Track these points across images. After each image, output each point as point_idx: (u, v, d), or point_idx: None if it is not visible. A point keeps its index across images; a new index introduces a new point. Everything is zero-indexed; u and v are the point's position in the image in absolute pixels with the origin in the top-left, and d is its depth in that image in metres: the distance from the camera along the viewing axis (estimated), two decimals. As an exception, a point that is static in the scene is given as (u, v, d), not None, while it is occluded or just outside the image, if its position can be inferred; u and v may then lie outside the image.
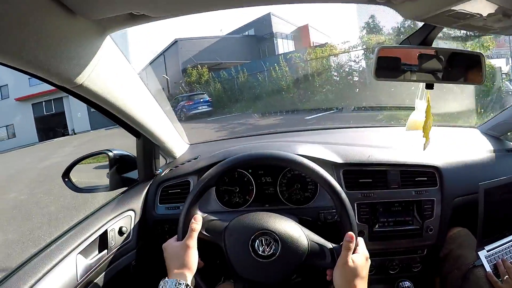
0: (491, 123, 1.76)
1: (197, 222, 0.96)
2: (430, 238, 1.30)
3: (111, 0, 0.67)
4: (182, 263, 0.89)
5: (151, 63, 28.84)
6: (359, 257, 0.90)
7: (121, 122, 1.15)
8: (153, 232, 1.32)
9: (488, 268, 1.18)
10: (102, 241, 1.14)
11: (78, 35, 0.73)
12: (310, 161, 1.01)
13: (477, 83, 0.95)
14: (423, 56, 0.90)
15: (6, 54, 0.61)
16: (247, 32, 26.36)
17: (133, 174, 1.41)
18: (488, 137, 1.71)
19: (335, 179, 1.16)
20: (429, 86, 0.93)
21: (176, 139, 1.48)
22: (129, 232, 1.24)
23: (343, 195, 0.97)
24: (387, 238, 1.28)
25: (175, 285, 0.83)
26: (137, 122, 1.14)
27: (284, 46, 24.63)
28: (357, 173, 1.31)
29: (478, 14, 0.70)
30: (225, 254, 0.94)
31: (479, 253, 1.23)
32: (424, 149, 1.05)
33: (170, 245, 0.95)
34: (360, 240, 0.94)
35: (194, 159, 1.42)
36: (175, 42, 24.48)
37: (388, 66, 0.90)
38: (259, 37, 25.19)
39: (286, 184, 1.32)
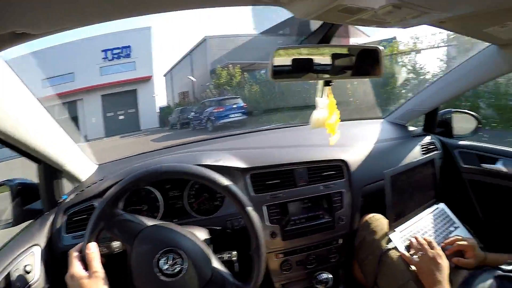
0: (398, 112, 1.89)
1: (90, 250, 0.89)
2: (343, 228, 1.35)
3: None
4: None
5: (177, 63, 28.77)
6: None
7: (16, 148, 1.02)
8: (62, 266, 1.19)
9: (401, 248, 1.24)
10: (7, 286, 1.00)
11: None
12: (208, 170, 0.99)
13: (376, 76, 0.98)
14: (321, 54, 0.91)
15: None
16: (281, 31, 24.28)
17: (38, 204, 1.27)
18: (395, 126, 1.83)
19: (243, 185, 1.14)
20: (328, 83, 0.94)
21: (81, 160, 1.36)
22: (36, 271, 1.09)
23: (244, 200, 0.97)
24: (301, 235, 1.30)
25: None
26: (33, 147, 1.02)
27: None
28: (264, 176, 1.32)
29: (368, 7, 0.70)
30: (128, 261, 0.91)
31: (390, 236, 1.28)
32: (331, 143, 1.06)
33: (75, 276, 0.87)
34: None
35: (100, 180, 1.32)
36: (204, 40, 23.09)
37: (286, 66, 0.89)
38: (295, 36, 22.60)
39: (194, 195, 1.30)
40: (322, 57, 0.92)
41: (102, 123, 24.22)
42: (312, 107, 0.98)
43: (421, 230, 1.37)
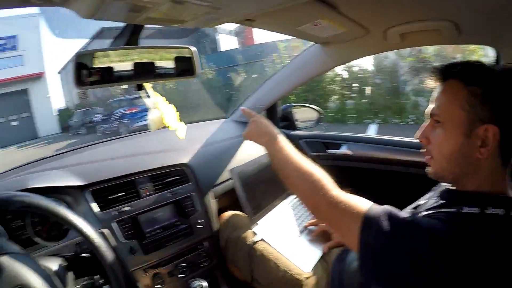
0: (239, 111, 1.96)
1: None
2: (203, 231, 1.34)
3: None
4: None
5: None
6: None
7: None
8: None
9: (268, 239, 1.27)
10: None
11: None
12: (28, 194, 0.86)
13: (191, 77, 0.98)
14: (130, 57, 0.88)
15: None
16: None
17: None
18: (239, 124, 1.90)
19: (85, 203, 1.03)
20: (139, 87, 0.91)
21: None
22: None
23: (74, 218, 0.87)
24: (162, 246, 1.25)
25: None
26: None
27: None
28: (106, 191, 1.23)
29: (147, 4, 0.69)
30: None
31: (254, 229, 1.31)
32: (181, 137, 1.06)
33: None
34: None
35: None
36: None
37: (92, 73, 0.83)
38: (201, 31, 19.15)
39: (39, 222, 1.12)
40: (134, 60, 0.89)
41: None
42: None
43: (283, 219, 1.43)
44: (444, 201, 0.81)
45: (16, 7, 0.67)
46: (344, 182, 1.71)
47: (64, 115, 22.01)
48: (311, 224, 1.38)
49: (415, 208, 0.95)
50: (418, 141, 0.85)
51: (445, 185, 0.87)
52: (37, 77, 22.00)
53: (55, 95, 24.12)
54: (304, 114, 2.09)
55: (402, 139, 1.64)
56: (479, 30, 1.13)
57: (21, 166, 1.34)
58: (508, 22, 1.01)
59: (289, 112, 2.03)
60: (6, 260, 0.78)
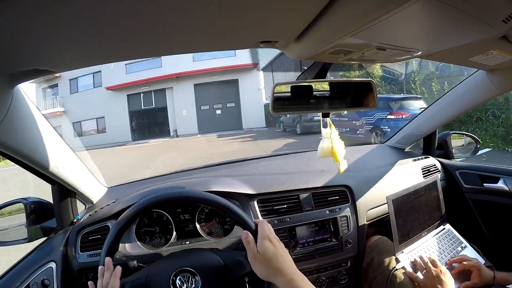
0: (397, 137, 1.95)
1: (117, 276, 0.92)
2: (351, 250, 1.39)
3: (16, 58, 0.68)
4: None
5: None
6: (261, 242, 0.88)
7: (32, 170, 1.10)
8: (78, 282, 1.25)
9: (408, 268, 1.28)
10: None
11: None
12: (218, 197, 1.04)
13: (370, 107, 1.04)
14: (318, 88, 0.98)
15: None
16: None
17: (52, 223, 1.34)
18: (395, 150, 1.88)
19: (250, 210, 1.21)
20: (325, 115, 1.01)
21: (92, 183, 1.43)
22: (53, 285, 1.17)
23: (239, 210, 1.01)
24: (310, 258, 1.34)
25: None
26: (50, 170, 1.10)
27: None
28: (271, 201, 1.37)
29: (354, 50, 0.78)
30: (145, 280, 0.94)
31: (398, 256, 1.32)
32: (340, 172, 1.11)
33: None
34: (261, 224, 0.94)
35: (113, 202, 1.38)
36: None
37: (285, 101, 0.96)
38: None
39: (204, 219, 1.35)
40: (318, 91, 0.99)
41: (195, 117, 21.44)
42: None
43: (428, 251, 1.41)
44: None
45: (246, 48, 0.84)
46: (499, 221, 1.59)
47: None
48: (454, 261, 1.33)
49: None
50: None
51: None
52: (250, 68, 21.42)
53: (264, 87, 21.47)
54: (462, 143, 1.97)
55: None
56: None
57: (203, 168, 1.61)
58: None
59: (446, 140, 1.93)
60: (168, 253, 0.99)
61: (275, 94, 0.94)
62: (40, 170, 1.09)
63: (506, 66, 1.26)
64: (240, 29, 0.69)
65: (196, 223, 1.33)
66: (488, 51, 1.01)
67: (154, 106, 22.55)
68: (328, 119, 1.04)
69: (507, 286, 1.08)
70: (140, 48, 0.76)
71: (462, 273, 1.27)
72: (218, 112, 22.40)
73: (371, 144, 2.07)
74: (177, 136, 20.23)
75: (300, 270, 1.29)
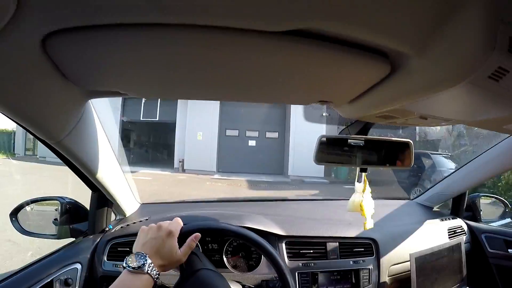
0: (426, 195, 1.96)
1: (196, 240, 0.93)
2: None
3: (105, 80, 0.75)
4: (164, 265, 0.85)
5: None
6: None
7: (80, 174, 1.18)
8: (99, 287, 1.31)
9: None
10: None
11: (65, 98, 0.78)
12: (255, 234, 1.07)
13: (407, 167, 1.07)
14: (359, 144, 1.03)
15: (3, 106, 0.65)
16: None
17: (82, 226, 1.40)
18: (423, 208, 1.89)
19: (277, 250, 1.22)
20: (364, 170, 1.05)
21: (129, 197, 1.50)
22: (75, 285, 1.22)
23: (284, 266, 1.04)
24: None
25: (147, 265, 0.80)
26: (97, 177, 1.17)
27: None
28: (299, 244, 1.40)
29: (399, 116, 0.82)
30: None
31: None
32: (365, 228, 1.15)
33: (172, 241, 0.88)
34: None
35: (146, 219, 1.44)
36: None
37: (328, 152, 1.01)
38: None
39: (231, 252, 1.39)
40: (362, 147, 1.04)
41: (215, 146, 14.54)
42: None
43: None
44: None
45: (303, 104, 0.90)
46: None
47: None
48: None
49: None
50: None
51: None
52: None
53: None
54: (491, 207, 1.95)
55: None
56: None
57: (236, 201, 1.66)
58: None
59: (475, 202, 1.92)
60: (206, 274, 0.98)
61: (320, 145, 0.99)
62: (88, 176, 1.16)
63: None
64: (304, 89, 0.75)
65: (224, 255, 1.37)
66: None
67: (157, 119, 15.62)
68: (363, 175, 1.08)
69: None
70: (209, 91, 0.83)
71: None
72: (252, 143, 15.04)
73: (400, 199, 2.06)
74: (183, 171, 13.93)
75: None
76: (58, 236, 1.35)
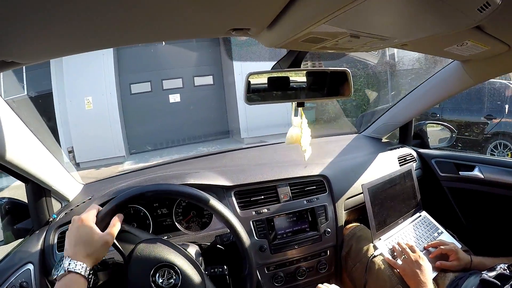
0: (373, 126, 1.98)
1: (119, 218, 0.94)
2: (329, 240, 1.41)
3: None
4: (92, 252, 0.85)
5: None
6: None
7: (4, 168, 1.06)
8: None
9: (387, 254, 1.31)
10: None
11: None
12: (194, 189, 1.04)
13: (346, 97, 1.05)
14: (292, 77, 0.99)
15: None
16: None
17: (27, 224, 1.29)
18: (371, 140, 1.91)
19: (227, 202, 1.20)
20: (300, 104, 1.02)
21: (67, 180, 1.39)
22: (32, 286, 1.13)
23: (227, 213, 1.03)
24: (289, 248, 1.35)
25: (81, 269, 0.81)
26: (22, 168, 1.06)
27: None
28: (248, 193, 1.37)
29: (328, 38, 0.78)
30: (125, 274, 0.94)
31: (376, 243, 1.35)
32: (305, 159, 1.14)
33: (85, 221, 0.88)
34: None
35: (89, 199, 1.36)
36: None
37: (259, 91, 0.97)
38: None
39: (182, 213, 1.34)
40: (294, 81, 1.00)
41: (116, 112, 9.02)
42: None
43: (405, 237, 1.44)
44: None
45: (217, 36, 0.83)
46: (475, 208, 1.64)
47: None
48: (430, 246, 1.37)
49: None
50: None
51: None
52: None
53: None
54: (438, 133, 2.02)
55: None
56: None
57: (176, 161, 1.60)
58: None
59: (423, 130, 1.98)
60: (144, 246, 0.96)
61: (249, 85, 0.94)
62: (11, 168, 1.05)
63: (480, 57, 1.30)
64: (210, 16, 0.67)
65: (174, 218, 1.33)
66: (463, 41, 1.03)
67: (26, 92, 9.03)
68: (300, 109, 1.05)
69: (482, 272, 1.10)
70: (105, 37, 0.73)
71: (439, 258, 1.30)
72: (174, 98, 9.69)
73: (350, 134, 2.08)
74: (77, 166, 8.55)
75: (280, 261, 1.33)
76: (5, 242, 1.22)
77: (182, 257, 0.98)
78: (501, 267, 1.04)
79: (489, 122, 5.34)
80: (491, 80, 4.93)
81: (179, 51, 9.41)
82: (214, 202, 1.03)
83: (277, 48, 0.85)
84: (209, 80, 9.87)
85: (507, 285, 0.84)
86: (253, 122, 8.88)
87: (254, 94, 0.97)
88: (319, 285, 1.13)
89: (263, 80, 0.98)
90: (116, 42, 0.80)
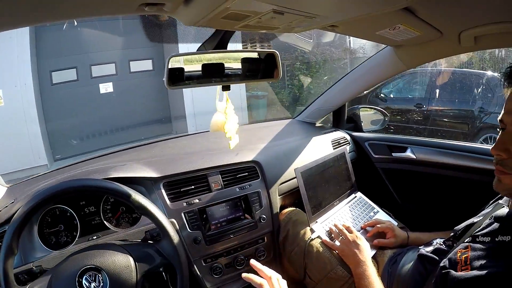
0: (307, 111, 2.01)
1: None
2: (266, 226, 1.40)
3: None
4: None
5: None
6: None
7: None
8: None
9: (324, 237, 1.31)
10: None
11: None
12: (113, 183, 0.99)
13: (275, 80, 1.03)
14: (218, 60, 0.94)
15: None
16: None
17: None
18: (305, 124, 1.94)
19: (155, 195, 1.16)
20: (225, 88, 0.98)
21: None
22: None
23: (148, 205, 1.00)
24: (225, 238, 1.32)
25: None
26: None
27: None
28: (178, 183, 1.32)
29: (249, 14, 0.73)
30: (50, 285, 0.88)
31: (312, 226, 1.36)
32: (231, 147, 1.11)
33: None
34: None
35: (11, 203, 1.23)
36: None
37: (181, 74, 0.91)
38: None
39: (111, 210, 1.26)
40: (219, 63, 0.95)
41: (33, 109, 6.28)
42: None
43: (342, 218, 1.47)
44: (499, 225, 0.80)
45: (129, 14, 0.75)
46: (408, 187, 1.72)
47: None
48: (367, 225, 1.40)
49: (468, 226, 0.94)
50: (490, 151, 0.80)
51: (504, 207, 0.85)
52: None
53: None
54: (371, 116, 2.09)
55: (468, 144, 1.63)
56: None
57: (103, 155, 1.50)
58: None
59: (356, 114, 2.04)
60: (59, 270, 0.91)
61: (170, 68, 0.89)
62: None
63: (412, 43, 1.33)
64: None
65: (102, 215, 1.24)
66: (395, 25, 1.05)
67: None
68: (225, 93, 1.02)
69: (419, 247, 1.13)
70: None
71: (377, 236, 1.33)
72: (105, 87, 7.14)
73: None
74: None
75: (216, 252, 1.29)
76: None
77: (109, 259, 0.93)
78: (437, 242, 1.07)
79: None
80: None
81: (112, 30, 7.01)
82: (136, 196, 0.98)
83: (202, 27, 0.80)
84: (147, 65, 7.66)
85: (444, 259, 0.87)
86: (201, 109, 6.74)
87: (177, 78, 0.91)
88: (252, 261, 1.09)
89: (186, 62, 0.92)
90: (16, 22, 0.71)
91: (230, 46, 0.97)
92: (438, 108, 5.59)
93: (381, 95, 5.99)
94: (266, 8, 0.70)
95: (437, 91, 5.61)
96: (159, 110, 7.71)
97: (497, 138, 0.79)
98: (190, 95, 7.30)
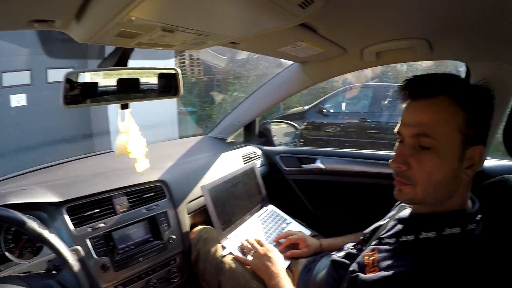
0: (218, 128, 2.03)
1: None
2: (176, 247, 1.36)
3: None
4: None
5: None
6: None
7: None
8: None
9: (236, 252, 1.31)
10: None
11: None
12: (7, 210, 0.90)
13: (176, 97, 1.02)
14: (117, 77, 0.91)
15: None
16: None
17: None
18: (216, 140, 1.95)
19: (60, 220, 1.09)
20: (125, 106, 0.95)
21: None
22: None
23: (44, 234, 0.93)
24: (134, 262, 1.25)
25: None
26: None
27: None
28: (82, 207, 1.23)
29: (140, 32, 0.72)
30: None
31: (224, 243, 1.35)
32: (138, 170, 1.06)
33: None
34: None
35: None
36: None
37: (79, 92, 0.86)
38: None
39: (13, 239, 1.12)
40: (119, 80, 0.92)
41: None
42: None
43: (254, 232, 1.48)
44: (402, 226, 0.84)
45: (20, 29, 0.69)
46: (319, 196, 1.81)
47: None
48: (280, 238, 1.43)
49: (375, 229, 1.00)
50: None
51: (406, 209, 0.90)
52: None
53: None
54: (284, 129, 2.18)
55: (373, 152, 1.75)
56: (450, 47, 1.16)
57: (4, 180, 1.34)
58: (478, 37, 1.03)
59: (267, 128, 2.11)
60: None
61: (66, 85, 0.83)
62: None
63: (317, 59, 1.40)
64: (2, 5, 0.56)
65: (1, 246, 1.10)
66: (296, 42, 1.08)
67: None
68: (127, 111, 0.98)
69: (331, 253, 1.14)
70: None
71: (290, 247, 1.35)
72: (18, 100, 5.48)
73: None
74: None
75: (126, 278, 1.22)
76: None
77: None
78: (348, 247, 1.10)
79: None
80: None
81: (29, 32, 5.27)
82: (31, 223, 0.90)
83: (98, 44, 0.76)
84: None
85: (353, 263, 0.90)
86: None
87: (74, 96, 0.86)
88: None
89: (85, 80, 0.88)
90: None
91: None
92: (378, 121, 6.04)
93: (324, 110, 6.30)
94: (154, 27, 0.70)
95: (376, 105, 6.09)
96: (80, 125, 6.53)
97: (396, 151, 0.80)
98: (115, 108, 6.24)
